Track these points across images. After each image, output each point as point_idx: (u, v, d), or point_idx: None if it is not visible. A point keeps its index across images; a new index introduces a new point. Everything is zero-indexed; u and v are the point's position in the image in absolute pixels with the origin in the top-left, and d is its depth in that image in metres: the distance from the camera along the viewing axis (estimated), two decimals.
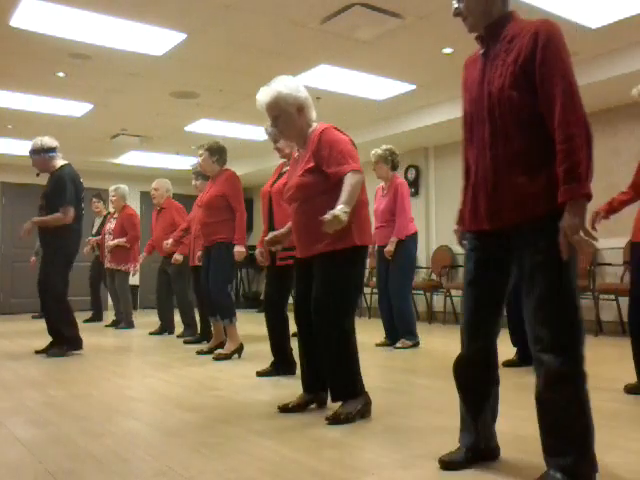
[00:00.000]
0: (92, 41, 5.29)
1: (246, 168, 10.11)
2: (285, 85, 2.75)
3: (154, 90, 6.75)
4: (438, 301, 8.29)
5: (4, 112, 7.50)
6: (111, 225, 7.44)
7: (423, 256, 8.58)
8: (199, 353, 5.01)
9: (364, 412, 2.73)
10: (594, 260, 6.61)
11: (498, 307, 1.98)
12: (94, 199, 8.15)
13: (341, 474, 1.99)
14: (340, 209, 2.51)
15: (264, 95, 2.75)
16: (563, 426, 1.76)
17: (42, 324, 5.03)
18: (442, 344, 5.75)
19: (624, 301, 6.32)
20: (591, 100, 6.43)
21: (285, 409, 2.87)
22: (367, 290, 8.73)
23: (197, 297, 5.83)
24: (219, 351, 4.79)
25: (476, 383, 2.02)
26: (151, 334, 6.65)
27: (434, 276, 8.29)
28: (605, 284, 6.27)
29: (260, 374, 3.91)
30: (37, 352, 4.95)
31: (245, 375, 3.99)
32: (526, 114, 1.81)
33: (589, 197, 1.72)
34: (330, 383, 2.79)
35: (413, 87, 6.70)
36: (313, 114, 2.84)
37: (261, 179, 8.90)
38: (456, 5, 1.98)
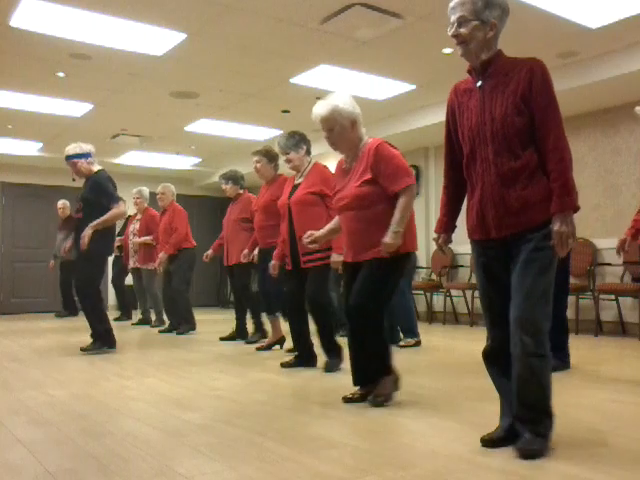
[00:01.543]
0: (92, 41, 5.30)
1: (246, 168, 10.07)
2: (342, 100, 3.01)
3: (154, 90, 6.75)
4: (438, 301, 8.30)
5: (4, 112, 7.50)
6: (135, 226, 7.66)
7: (423, 256, 8.57)
8: (259, 350, 5.18)
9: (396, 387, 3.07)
10: (594, 260, 6.61)
11: (509, 299, 2.24)
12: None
13: (341, 474, 2.00)
14: (392, 231, 2.86)
15: (321, 108, 3.01)
16: (535, 395, 2.15)
17: (42, 324, 5.04)
18: (442, 344, 5.75)
19: (624, 301, 6.33)
20: (591, 100, 6.45)
21: (349, 400, 3.07)
22: None
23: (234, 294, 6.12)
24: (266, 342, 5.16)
25: (506, 368, 2.23)
26: (161, 332, 6.85)
27: (434, 276, 8.29)
28: (605, 284, 6.27)
29: (284, 365, 4.22)
30: (82, 349, 5.03)
31: (245, 375, 3.99)
32: (526, 135, 2.17)
33: (577, 209, 2.13)
34: (365, 370, 3.08)
35: (413, 87, 6.71)
36: (363, 129, 3.09)
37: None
38: (459, 30, 2.21)
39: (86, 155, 5.08)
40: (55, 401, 3.16)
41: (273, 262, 4.38)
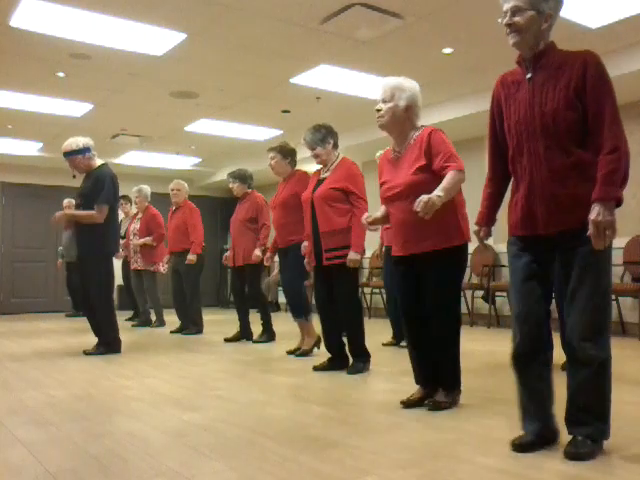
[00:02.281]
0: (92, 41, 5.29)
1: (247, 167, 10.09)
2: (409, 84, 2.97)
3: (154, 90, 6.75)
4: None
5: (4, 112, 7.50)
6: (135, 225, 7.49)
7: None
8: (289, 353, 4.92)
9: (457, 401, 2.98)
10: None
11: (549, 298, 2.24)
12: (122, 201, 7.98)
13: (341, 474, 1.99)
14: (435, 194, 2.66)
15: (388, 79, 3.00)
16: (593, 399, 2.11)
17: (42, 325, 5.04)
18: None
19: (624, 301, 6.33)
20: None
21: (408, 404, 2.96)
22: (367, 290, 8.73)
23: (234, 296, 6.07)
24: (303, 349, 4.86)
25: (540, 371, 2.22)
26: (172, 332, 6.79)
27: None
28: None
29: (317, 368, 4.09)
30: (85, 352, 4.92)
31: (245, 375, 3.99)
32: (579, 130, 2.10)
33: (619, 201, 2.04)
34: (435, 373, 2.97)
35: None
36: (418, 122, 3.01)
37: (261, 179, 8.90)
38: (514, 19, 2.14)
39: (84, 150, 4.91)
40: (55, 401, 3.16)
41: (306, 260, 4.24)
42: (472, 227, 2.58)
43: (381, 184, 3.06)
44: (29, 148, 9.50)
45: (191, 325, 6.68)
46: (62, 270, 9.27)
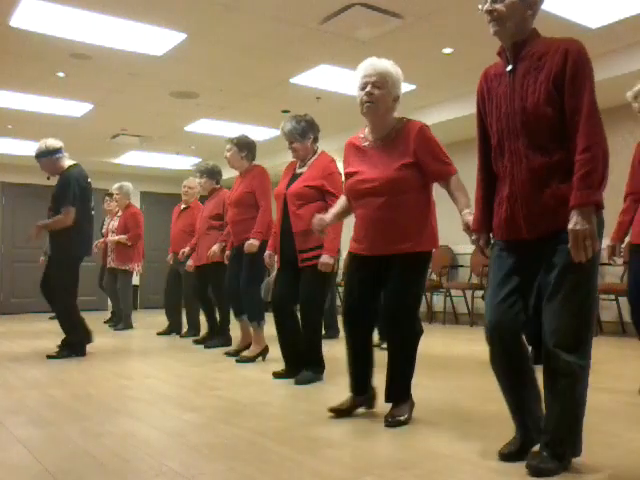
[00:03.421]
0: (92, 41, 5.29)
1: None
2: (397, 69, 2.75)
3: (154, 90, 6.75)
4: (438, 301, 8.30)
5: (4, 112, 7.50)
6: (114, 223, 7.35)
7: None
8: (227, 355, 4.84)
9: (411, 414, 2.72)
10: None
11: (527, 302, 2.06)
12: (107, 198, 7.97)
13: (341, 474, 1.99)
14: (468, 212, 2.49)
15: (378, 62, 2.70)
16: (568, 414, 1.94)
17: (42, 324, 5.04)
18: (442, 344, 5.75)
19: (624, 301, 6.32)
20: None
21: (339, 412, 2.77)
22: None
23: (216, 297, 5.67)
24: (243, 353, 4.67)
25: (514, 373, 2.08)
26: (159, 334, 6.63)
27: (434, 276, 8.29)
28: (605, 284, 6.27)
29: (276, 375, 3.84)
30: (49, 357, 4.77)
31: (245, 375, 3.99)
32: (561, 127, 1.93)
33: (599, 205, 1.86)
34: (395, 384, 2.72)
35: (413, 87, 6.70)
36: (396, 113, 2.80)
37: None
38: (495, 6, 1.99)
39: (53, 152, 4.81)
40: (55, 401, 3.16)
41: (268, 252, 3.97)
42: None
43: (348, 174, 2.80)
44: (29, 148, 9.49)
45: (192, 330, 6.39)
46: (37, 267, 9.15)
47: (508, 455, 2.07)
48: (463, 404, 3.03)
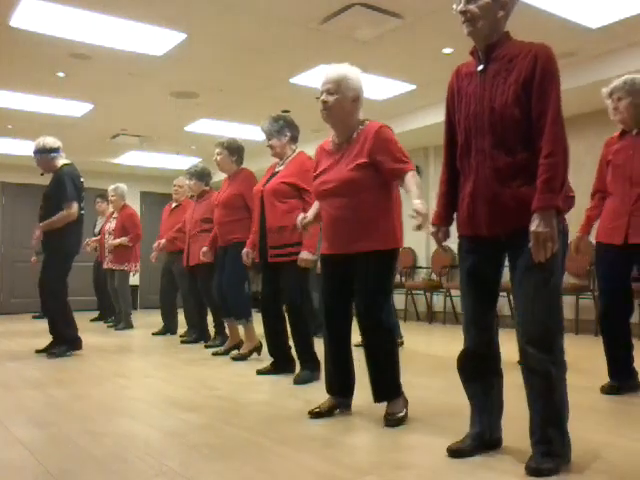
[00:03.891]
0: (92, 41, 5.29)
1: (248, 167, 10.09)
2: (353, 72, 2.82)
3: (154, 90, 6.75)
4: (438, 301, 8.30)
5: (4, 112, 7.50)
6: (111, 225, 7.34)
7: (423, 256, 8.58)
8: (215, 355, 4.87)
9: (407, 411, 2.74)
10: (593, 260, 6.59)
11: (494, 302, 2.18)
12: (98, 199, 8.06)
13: (341, 474, 2.00)
14: (419, 202, 2.53)
15: (331, 70, 2.84)
16: (548, 411, 1.98)
17: (42, 324, 5.04)
18: (442, 344, 5.75)
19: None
20: (590, 100, 6.41)
21: (317, 415, 2.78)
22: None
23: (205, 297, 5.57)
24: (236, 351, 4.72)
25: (480, 375, 2.18)
26: (154, 334, 6.61)
27: (434, 276, 8.29)
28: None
29: (260, 372, 3.95)
30: (37, 351, 4.93)
31: (245, 375, 3.99)
32: (527, 129, 1.98)
33: (558, 209, 1.93)
34: (379, 384, 2.73)
35: (413, 87, 6.71)
36: (362, 114, 2.85)
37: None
38: (468, 7, 2.03)
39: (50, 151, 4.87)
40: (55, 401, 3.16)
41: (246, 250, 4.01)
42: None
43: (315, 176, 2.88)
44: (29, 148, 9.48)
45: (191, 330, 6.17)
46: (37, 267, 9.14)
47: (456, 451, 2.13)
48: (463, 403, 3.02)
